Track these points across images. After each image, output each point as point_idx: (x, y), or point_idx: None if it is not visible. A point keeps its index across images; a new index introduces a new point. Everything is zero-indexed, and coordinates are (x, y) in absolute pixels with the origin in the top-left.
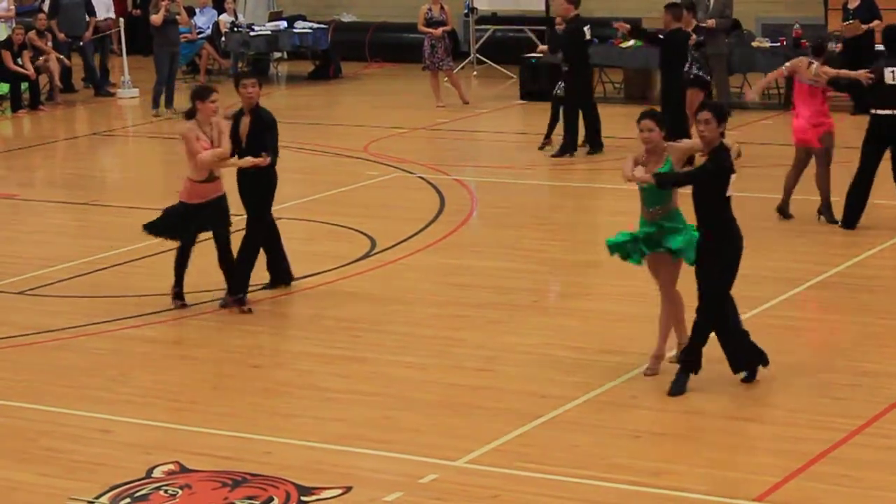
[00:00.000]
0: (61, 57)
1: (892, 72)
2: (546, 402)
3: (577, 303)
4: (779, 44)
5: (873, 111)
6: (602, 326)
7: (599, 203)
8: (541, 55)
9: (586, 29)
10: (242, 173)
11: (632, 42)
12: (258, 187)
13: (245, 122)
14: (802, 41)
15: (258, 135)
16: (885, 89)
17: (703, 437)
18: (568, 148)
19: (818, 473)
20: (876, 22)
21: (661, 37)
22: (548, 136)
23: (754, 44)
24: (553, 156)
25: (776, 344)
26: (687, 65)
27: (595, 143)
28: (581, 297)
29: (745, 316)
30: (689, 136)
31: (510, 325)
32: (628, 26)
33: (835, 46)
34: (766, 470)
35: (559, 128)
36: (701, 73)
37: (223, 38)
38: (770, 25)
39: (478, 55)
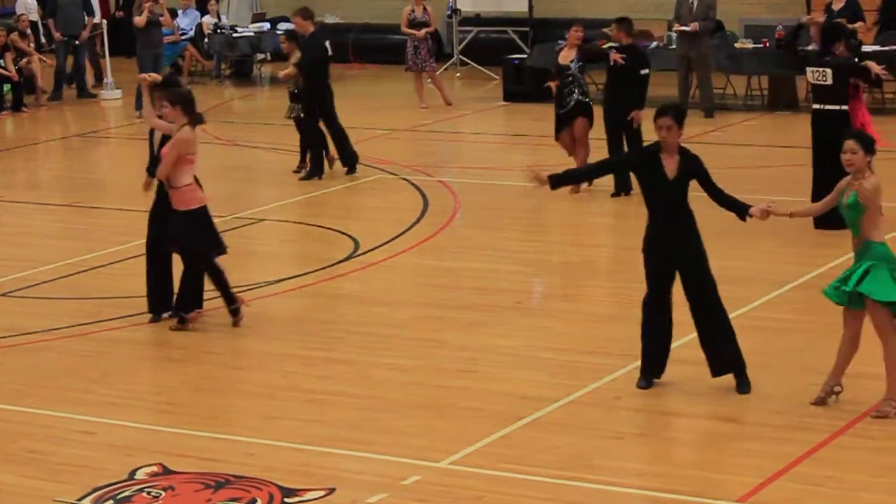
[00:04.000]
0: (44, 58)
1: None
2: (529, 404)
3: (560, 304)
4: (762, 45)
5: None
6: (584, 328)
7: (582, 205)
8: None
9: (327, 44)
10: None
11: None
12: None
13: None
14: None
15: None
16: (816, 87)
17: (686, 438)
18: (315, 171)
19: (801, 475)
20: (860, 24)
21: (616, 54)
22: (302, 158)
23: (737, 45)
24: (302, 178)
25: (758, 345)
26: (577, 90)
27: (351, 159)
28: (564, 299)
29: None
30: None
31: (493, 326)
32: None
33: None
34: (749, 471)
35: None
36: (587, 100)
37: (206, 40)
38: (753, 27)
39: (461, 56)
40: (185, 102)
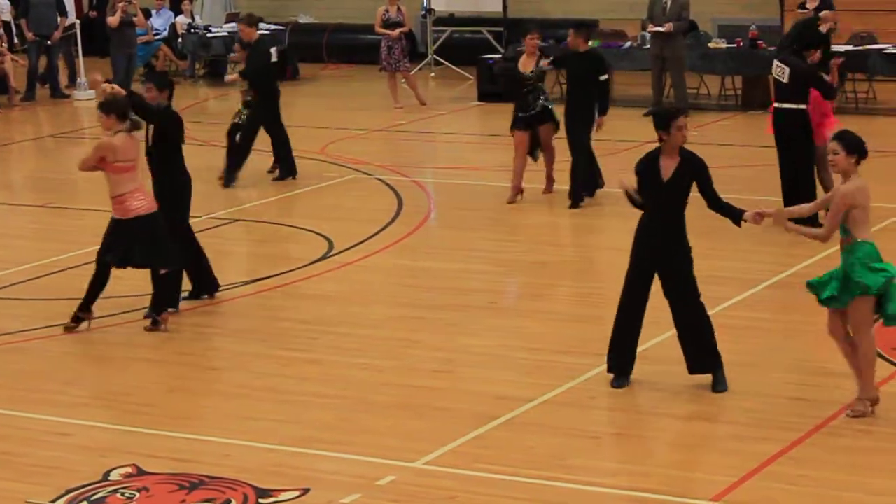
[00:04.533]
0: (16, 58)
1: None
2: (503, 404)
3: (534, 304)
4: (735, 45)
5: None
6: (559, 327)
7: (556, 205)
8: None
9: (273, 50)
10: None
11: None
12: None
13: None
14: (759, 42)
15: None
16: (776, 84)
17: (661, 437)
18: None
19: (775, 473)
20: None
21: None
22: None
23: (711, 45)
24: (276, 179)
25: (733, 343)
26: (542, 97)
27: (286, 168)
28: (538, 299)
29: None
30: (596, 166)
31: (467, 326)
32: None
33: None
34: (723, 470)
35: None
36: (552, 106)
37: (180, 40)
38: (726, 27)
39: (435, 56)
40: (119, 110)
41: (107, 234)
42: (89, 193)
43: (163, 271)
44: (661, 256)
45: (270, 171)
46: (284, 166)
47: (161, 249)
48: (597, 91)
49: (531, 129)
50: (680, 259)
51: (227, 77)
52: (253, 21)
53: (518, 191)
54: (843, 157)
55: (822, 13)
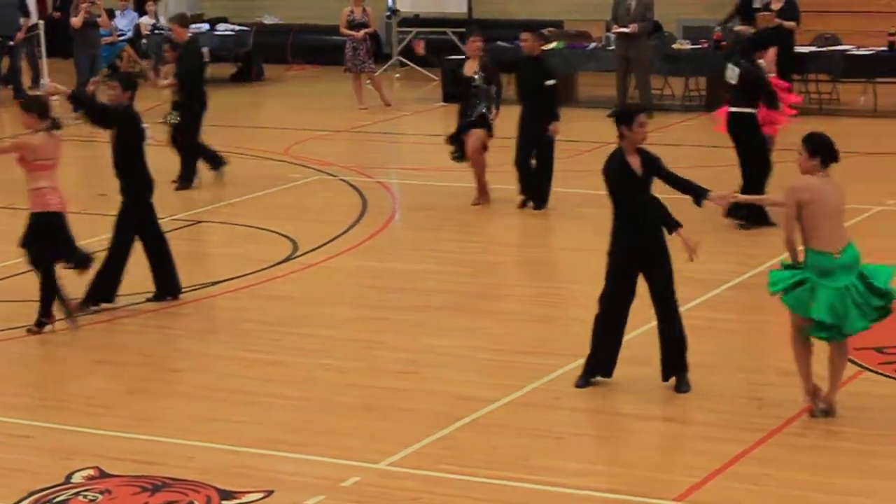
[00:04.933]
0: None
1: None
2: (467, 404)
3: (498, 304)
4: (699, 46)
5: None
6: (522, 328)
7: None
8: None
9: (205, 51)
10: None
11: (554, 44)
12: None
13: None
14: (723, 43)
15: None
16: (728, 86)
17: (625, 437)
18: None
19: (738, 473)
20: (793, 23)
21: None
22: (214, 166)
23: (675, 46)
24: (178, 188)
25: (696, 344)
26: (482, 103)
27: (186, 179)
28: (501, 299)
29: None
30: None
31: (431, 327)
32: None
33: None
34: (687, 470)
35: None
36: (490, 114)
37: (144, 41)
38: (690, 28)
39: (400, 58)
40: (40, 109)
41: (29, 233)
42: None
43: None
44: (646, 255)
45: (175, 182)
46: (186, 174)
47: (71, 248)
48: (545, 97)
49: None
50: (658, 257)
51: (161, 83)
52: (184, 21)
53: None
54: (805, 158)
55: (760, 14)
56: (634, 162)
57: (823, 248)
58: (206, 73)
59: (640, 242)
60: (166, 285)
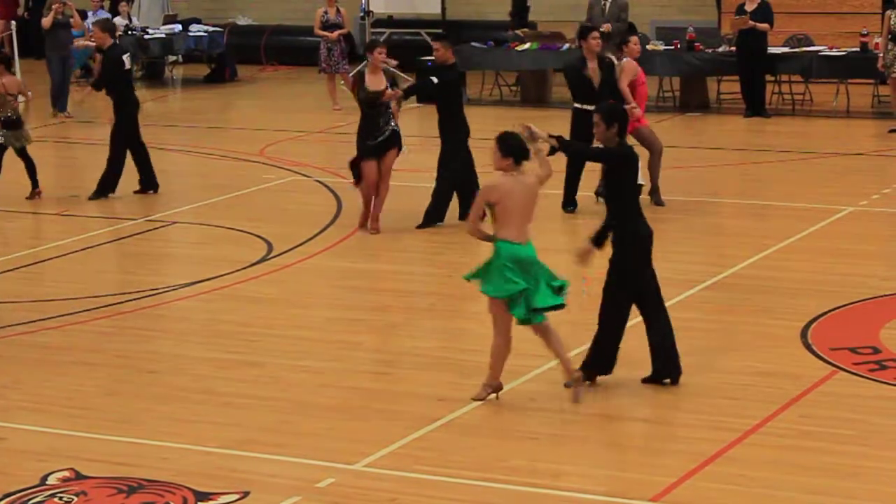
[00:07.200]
0: None
1: None
2: (444, 405)
3: (474, 305)
4: (673, 47)
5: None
6: None
7: None
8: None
9: (125, 57)
10: None
11: (528, 45)
12: None
13: None
14: (696, 44)
15: None
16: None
17: (601, 438)
18: (108, 187)
19: (713, 473)
20: (766, 25)
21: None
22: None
23: (649, 47)
24: (90, 198)
25: None
26: (392, 120)
27: (151, 183)
28: (477, 300)
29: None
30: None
31: (407, 328)
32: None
33: (728, 48)
34: (662, 470)
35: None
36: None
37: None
38: (664, 29)
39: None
40: None
41: None
42: (24, 196)
43: None
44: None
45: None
46: (145, 181)
47: None
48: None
49: (380, 156)
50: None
51: (85, 91)
52: (107, 26)
53: (367, 221)
54: (499, 157)
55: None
56: None
57: (516, 238)
58: (138, 75)
59: (650, 244)
60: None
